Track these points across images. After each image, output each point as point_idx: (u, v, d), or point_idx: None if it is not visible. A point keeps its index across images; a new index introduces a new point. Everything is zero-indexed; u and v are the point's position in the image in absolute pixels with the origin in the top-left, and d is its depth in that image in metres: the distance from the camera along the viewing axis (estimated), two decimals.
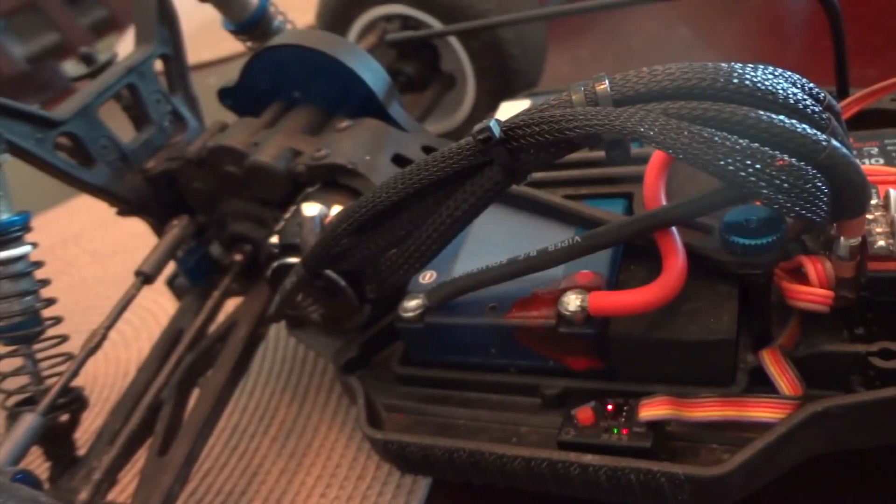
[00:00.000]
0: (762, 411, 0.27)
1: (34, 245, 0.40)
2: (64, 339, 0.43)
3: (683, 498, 0.27)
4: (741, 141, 0.22)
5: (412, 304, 0.34)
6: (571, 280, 0.32)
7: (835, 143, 0.23)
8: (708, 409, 0.28)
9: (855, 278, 0.26)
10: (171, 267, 0.49)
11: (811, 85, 0.24)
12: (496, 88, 0.58)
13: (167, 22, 0.50)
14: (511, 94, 0.57)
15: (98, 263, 0.86)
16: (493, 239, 0.37)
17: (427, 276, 0.36)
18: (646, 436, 0.28)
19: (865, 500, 0.33)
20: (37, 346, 0.41)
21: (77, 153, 0.46)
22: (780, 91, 0.23)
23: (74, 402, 0.42)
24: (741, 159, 0.22)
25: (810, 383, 0.27)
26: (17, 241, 0.39)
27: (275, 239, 0.39)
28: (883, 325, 0.26)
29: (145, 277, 0.43)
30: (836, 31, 0.36)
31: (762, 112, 0.22)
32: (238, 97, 0.48)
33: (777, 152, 0.22)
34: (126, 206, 0.48)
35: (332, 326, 0.41)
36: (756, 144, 0.22)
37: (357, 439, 0.46)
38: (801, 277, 0.27)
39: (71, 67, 1.78)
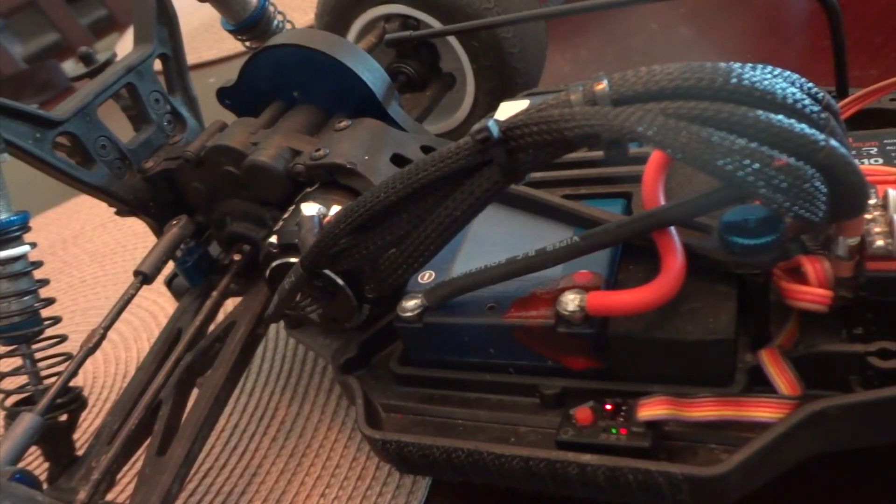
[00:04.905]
0: (760, 411, 0.27)
1: (33, 245, 0.40)
2: (63, 338, 0.43)
3: (681, 498, 0.27)
4: (739, 140, 0.22)
5: (411, 304, 0.34)
6: (570, 280, 0.32)
7: (833, 142, 0.23)
8: (706, 409, 0.28)
9: (854, 278, 0.26)
10: (169, 267, 0.49)
11: (810, 84, 0.24)
12: (495, 88, 0.58)
13: (166, 22, 0.50)
14: (511, 93, 0.57)
15: (97, 263, 0.86)
16: (492, 239, 0.37)
17: (426, 276, 0.36)
18: (644, 435, 0.28)
19: (864, 501, 0.33)
20: (36, 346, 0.41)
21: (76, 153, 0.46)
22: (779, 91, 0.23)
23: (73, 402, 0.42)
24: (739, 159, 0.22)
25: (809, 383, 0.27)
26: (16, 241, 0.39)
27: (273, 239, 0.39)
28: (881, 325, 0.26)
29: (144, 277, 0.43)
30: (836, 31, 0.36)
31: (760, 112, 0.22)
32: (237, 97, 0.48)
33: (775, 152, 0.22)
34: (125, 206, 0.48)
35: (331, 326, 0.41)
36: (754, 144, 0.22)
37: (357, 439, 0.46)
38: (800, 277, 0.27)
39: (71, 67, 1.78)
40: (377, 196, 0.30)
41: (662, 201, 0.30)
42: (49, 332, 0.41)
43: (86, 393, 0.43)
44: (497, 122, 0.26)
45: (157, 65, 0.50)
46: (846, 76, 0.37)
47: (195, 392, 0.43)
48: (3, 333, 0.39)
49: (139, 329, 0.68)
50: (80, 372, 0.40)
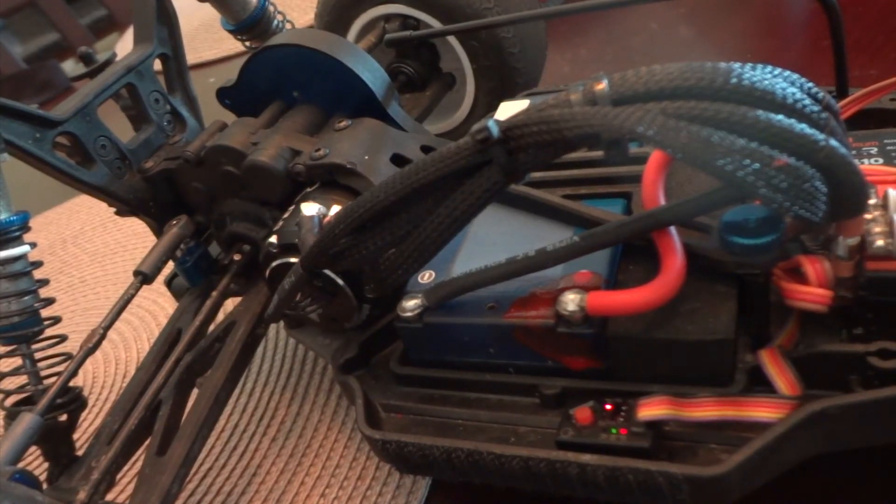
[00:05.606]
0: (760, 411, 0.27)
1: (33, 245, 0.40)
2: (63, 338, 0.43)
3: (681, 498, 0.27)
4: (739, 140, 0.22)
5: (411, 304, 0.34)
6: (570, 280, 0.32)
7: (833, 142, 0.23)
8: (706, 409, 0.28)
9: (854, 278, 0.26)
10: (169, 266, 0.49)
11: (810, 84, 0.24)
12: (495, 88, 0.58)
13: (166, 21, 0.50)
14: (511, 93, 0.57)
15: (97, 263, 0.86)
16: (492, 239, 0.37)
17: (426, 276, 0.36)
18: (644, 436, 0.28)
19: (864, 501, 0.33)
20: (35, 346, 0.41)
21: (76, 153, 0.46)
22: (779, 90, 0.23)
23: (73, 402, 0.42)
24: (739, 159, 0.22)
25: (809, 383, 0.27)
26: (16, 241, 0.39)
27: (273, 239, 0.39)
28: (881, 325, 0.26)
29: (144, 277, 0.43)
30: (836, 31, 0.36)
31: (760, 112, 0.22)
32: (237, 97, 0.48)
33: (775, 152, 0.22)
34: (125, 206, 0.48)
35: (331, 326, 0.41)
36: (754, 144, 0.22)
37: (357, 439, 0.46)
38: (800, 277, 0.27)
39: (71, 67, 1.78)
40: (377, 196, 0.30)
41: (662, 201, 0.30)
42: (49, 332, 0.41)
43: (86, 393, 0.43)
44: (497, 122, 0.26)
45: (157, 65, 0.50)
46: (846, 76, 0.37)
47: (195, 392, 0.43)
48: (3, 333, 0.39)
49: (139, 329, 0.68)
50: (80, 372, 0.40)
